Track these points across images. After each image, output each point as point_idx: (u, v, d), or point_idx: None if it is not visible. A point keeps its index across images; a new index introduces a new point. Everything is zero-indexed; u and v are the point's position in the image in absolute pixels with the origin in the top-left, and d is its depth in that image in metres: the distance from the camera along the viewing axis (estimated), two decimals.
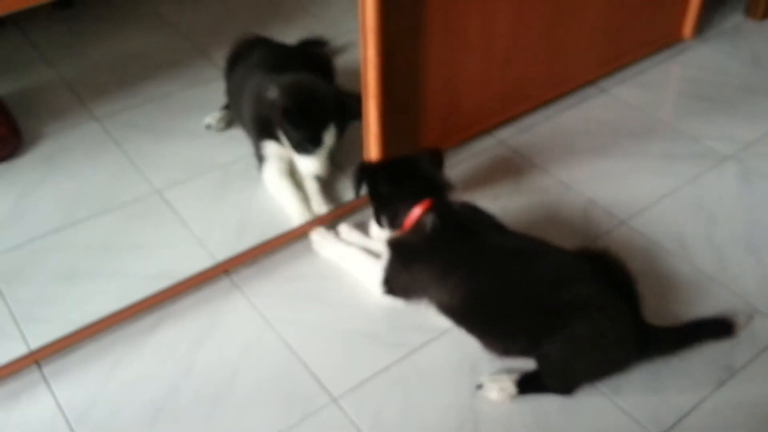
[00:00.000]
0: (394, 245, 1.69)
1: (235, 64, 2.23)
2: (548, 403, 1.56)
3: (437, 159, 1.75)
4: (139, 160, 2.15)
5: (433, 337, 1.69)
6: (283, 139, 1.96)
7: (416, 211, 1.66)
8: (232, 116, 2.25)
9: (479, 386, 1.58)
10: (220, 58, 2.47)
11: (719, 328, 1.66)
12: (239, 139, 2.21)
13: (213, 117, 2.26)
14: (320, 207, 1.96)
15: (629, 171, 2.16)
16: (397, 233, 1.72)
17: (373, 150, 1.91)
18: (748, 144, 2.25)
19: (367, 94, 1.82)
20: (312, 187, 2.01)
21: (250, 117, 2.06)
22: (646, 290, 1.67)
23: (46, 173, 2.11)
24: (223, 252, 1.84)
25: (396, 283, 1.71)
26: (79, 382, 1.61)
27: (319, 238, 1.89)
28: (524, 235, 1.70)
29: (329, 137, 1.94)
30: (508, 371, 1.60)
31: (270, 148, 2.01)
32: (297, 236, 1.91)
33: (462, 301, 1.62)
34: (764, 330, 1.70)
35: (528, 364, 1.59)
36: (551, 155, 2.21)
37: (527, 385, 1.57)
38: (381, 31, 1.72)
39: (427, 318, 1.72)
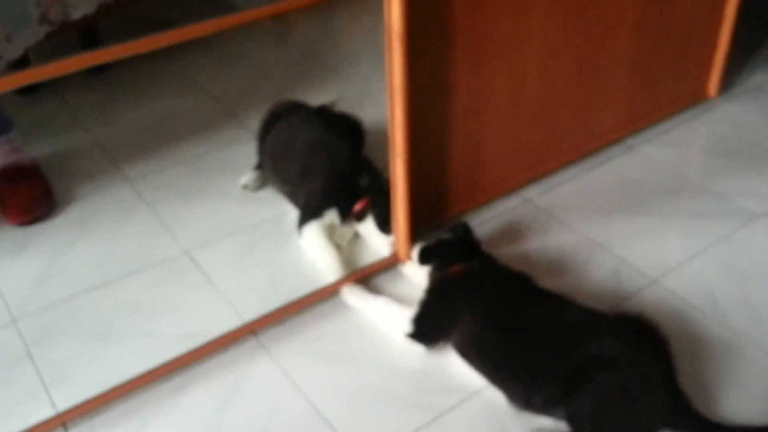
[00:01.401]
0: (437, 275, 1.83)
1: (271, 126, 2.29)
2: None
3: (468, 231, 1.92)
4: (170, 221, 2.18)
5: (462, 400, 1.67)
6: (369, 222, 2.05)
7: (457, 267, 1.80)
8: (264, 176, 2.30)
9: None
10: (251, 120, 2.52)
11: None
12: (267, 199, 2.24)
13: (248, 177, 2.29)
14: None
15: (659, 229, 2.15)
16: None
17: (400, 209, 1.92)
18: None
19: (395, 154, 1.84)
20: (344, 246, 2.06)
21: (319, 183, 2.10)
22: (678, 352, 1.64)
23: (78, 234, 2.14)
24: (251, 312, 1.85)
25: (426, 318, 1.75)
26: None
27: (350, 288, 1.91)
28: (554, 292, 1.74)
29: None
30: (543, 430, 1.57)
31: (329, 214, 2.05)
32: (324, 296, 1.92)
33: (487, 339, 1.65)
34: None
35: (563, 427, 1.56)
36: (579, 214, 2.20)
37: None
38: (408, 92, 1.75)
39: (455, 380, 1.70)
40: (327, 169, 2.12)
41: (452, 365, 1.74)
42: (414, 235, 1.98)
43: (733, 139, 2.52)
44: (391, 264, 2.01)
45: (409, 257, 1.96)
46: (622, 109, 2.45)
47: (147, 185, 2.32)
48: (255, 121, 2.38)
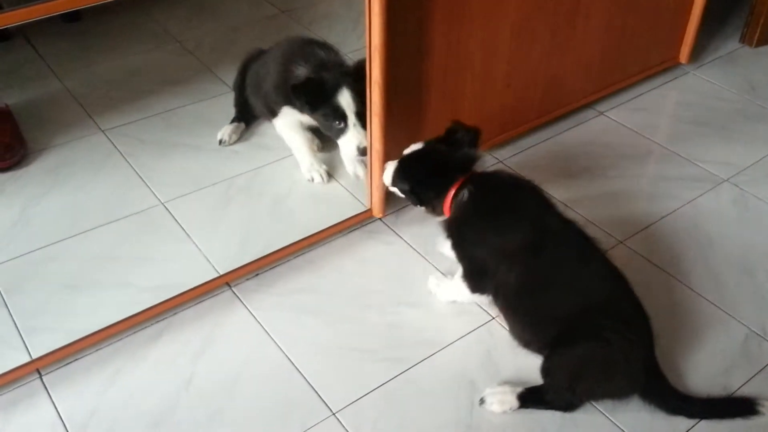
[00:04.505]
0: (448, 229, 1.68)
1: (247, 68, 2.34)
2: (545, 419, 1.58)
3: (474, 137, 1.72)
4: (145, 173, 2.17)
5: (432, 353, 1.71)
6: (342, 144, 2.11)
7: (450, 195, 1.66)
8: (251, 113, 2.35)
9: (481, 400, 1.60)
10: (226, 74, 2.51)
11: (740, 408, 1.59)
12: (243, 154, 2.24)
13: (225, 131, 2.29)
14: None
15: (627, 192, 2.20)
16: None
17: (375, 167, 1.94)
18: (744, 168, 2.29)
19: (372, 113, 1.86)
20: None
21: (272, 83, 2.18)
22: None
23: (51, 184, 2.13)
24: (226, 264, 1.86)
25: (473, 267, 1.66)
26: (79, 392, 1.62)
27: (435, 281, 1.85)
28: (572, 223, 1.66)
29: (345, 101, 2.02)
30: (511, 385, 1.62)
31: (285, 109, 2.15)
32: (298, 249, 1.94)
33: (513, 285, 1.59)
34: (761, 351, 1.73)
35: (530, 379, 1.62)
36: (549, 175, 2.24)
37: (529, 399, 1.58)
38: (386, 52, 1.75)
39: (425, 334, 1.74)
40: (275, 74, 2.17)
41: (423, 319, 1.78)
42: (389, 194, 2.00)
43: (702, 106, 2.57)
44: (366, 218, 2.03)
45: (383, 213, 1.97)
46: (594, 75, 2.48)
47: (121, 137, 2.31)
48: (230, 76, 2.37)
